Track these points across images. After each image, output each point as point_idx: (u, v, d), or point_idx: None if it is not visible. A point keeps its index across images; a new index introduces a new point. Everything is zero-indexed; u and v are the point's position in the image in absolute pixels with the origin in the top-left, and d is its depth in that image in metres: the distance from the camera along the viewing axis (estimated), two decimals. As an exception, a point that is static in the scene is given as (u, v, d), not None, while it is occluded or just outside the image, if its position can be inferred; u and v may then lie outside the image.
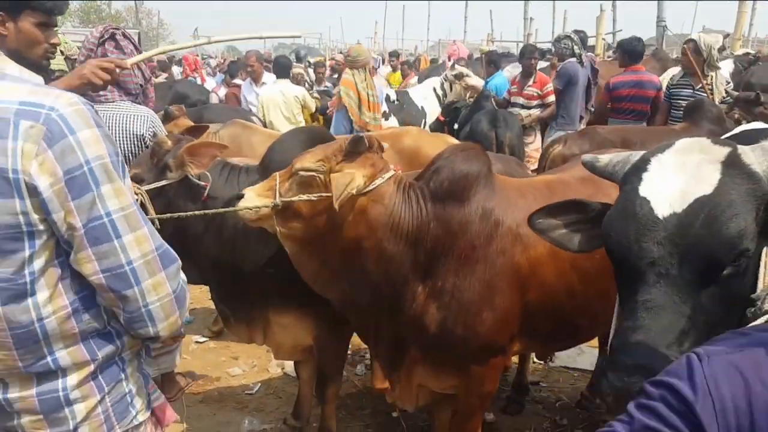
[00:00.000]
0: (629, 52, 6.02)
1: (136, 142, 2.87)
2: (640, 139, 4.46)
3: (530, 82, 6.24)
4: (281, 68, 6.20)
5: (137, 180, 2.40)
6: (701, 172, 1.25)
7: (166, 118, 4.06)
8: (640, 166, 1.35)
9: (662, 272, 1.22)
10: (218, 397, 3.48)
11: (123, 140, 2.84)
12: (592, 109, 6.57)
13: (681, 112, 4.95)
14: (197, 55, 11.56)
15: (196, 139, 2.94)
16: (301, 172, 2.05)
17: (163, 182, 2.40)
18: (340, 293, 2.25)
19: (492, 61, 7.41)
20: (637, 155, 1.42)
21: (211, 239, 2.50)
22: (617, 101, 5.75)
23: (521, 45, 18.00)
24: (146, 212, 2.29)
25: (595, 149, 4.35)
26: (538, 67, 6.60)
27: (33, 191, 1.11)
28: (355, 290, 2.18)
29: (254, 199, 2.10)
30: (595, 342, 3.32)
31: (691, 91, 5.06)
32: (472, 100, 6.66)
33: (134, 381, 1.36)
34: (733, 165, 1.25)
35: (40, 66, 2.12)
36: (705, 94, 4.91)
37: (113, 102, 2.86)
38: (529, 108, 6.24)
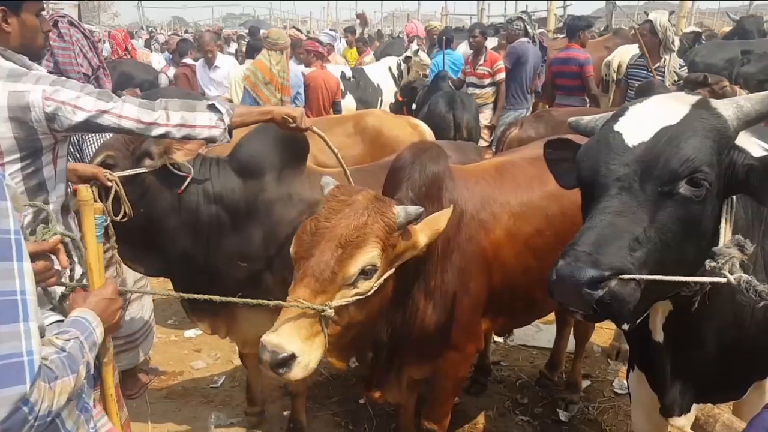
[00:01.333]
0: (568, 29, 6.38)
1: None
2: (593, 121, 4.58)
3: (481, 61, 6.34)
4: (255, 51, 6.30)
5: (108, 166, 2.35)
6: (672, 111, 1.40)
7: None
8: (618, 113, 1.49)
9: (625, 186, 1.34)
10: (183, 392, 3.46)
11: None
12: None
13: (633, 93, 5.12)
14: (126, 32, 10.90)
15: None
16: (362, 282, 1.72)
17: (140, 170, 2.33)
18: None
19: (448, 39, 7.49)
20: (617, 109, 1.55)
21: (185, 233, 2.46)
22: (555, 77, 6.17)
23: (474, 19, 18.00)
24: (119, 201, 2.28)
25: (550, 132, 4.45)
26: (490, 46, 6.69)
27: None
28: (379, 330, 2.10)
29: (298, 343, 1.61)
30: (552, 319, 3.46)
31: (645, 72, 5.21)
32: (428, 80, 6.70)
33: (72, 423, 1.27)
34: (701, 106, 1.41)
35: (40, 55, 2.10)
36: (658, 78, 5.06)
37: None
38: (482, 87, 6.34)
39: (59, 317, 1.49)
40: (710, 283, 1.33)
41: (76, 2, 9.48)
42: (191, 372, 3.67)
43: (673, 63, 5.11)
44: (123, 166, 2.34)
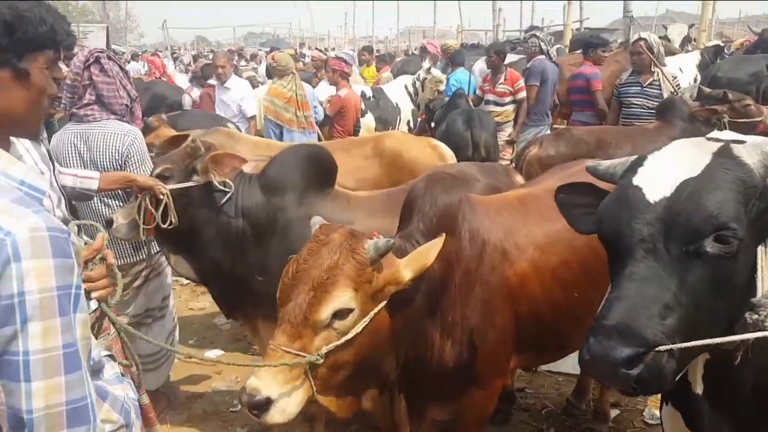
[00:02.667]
0: (582, 47, 6.61)
1: (117, 158, 2.96)
2: (614, 139, 4.54)
3: (501, 80, 6.32)
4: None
5: (163, 177, 2.64)
6: (693, 162, 1.33)
7: (146, 130, 4.00)
8: (637, 163, 1.43)
9: (650, 248, 1.27)
10: (203, 416, 3.44)
11: (104, 157, 2.95)
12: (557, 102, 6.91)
13: (631, 110, 5.25)
14: (159, 56, 11.08)
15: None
16: (338, 323, 1.67)
17: (188, 184, 2.64)
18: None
19: (454, 59, 7.72)
20: (635, 157, 1.49)
21: (217, 242, 2.71)
22: (569, 93, 6.39)
23: (490, 34, 18.02)
24: (166, 212, 2.57)
25: (570, 150, 4.43)
26: (507, 61, 6.69)
27: None
28: (387, 369, 2.02)
29: (276, 388, 1.59)
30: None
31: (639, 88, 5.26)
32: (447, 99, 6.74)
33: None
34: (723, 155, 1.33)
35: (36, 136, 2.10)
36: (655, 92, 5.16)
37: (99, 121, 3.00)
38: (502, 105, 6.31)
39: (108, 352, 1.50)
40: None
41: (105, 25, 9.69)
42: (211, 395, 3.66)
43: (666, 73, 5.23)
44: (178, 178, 2.65)
